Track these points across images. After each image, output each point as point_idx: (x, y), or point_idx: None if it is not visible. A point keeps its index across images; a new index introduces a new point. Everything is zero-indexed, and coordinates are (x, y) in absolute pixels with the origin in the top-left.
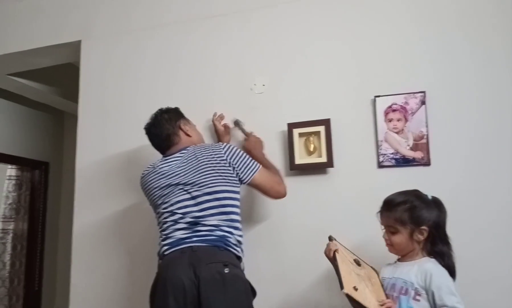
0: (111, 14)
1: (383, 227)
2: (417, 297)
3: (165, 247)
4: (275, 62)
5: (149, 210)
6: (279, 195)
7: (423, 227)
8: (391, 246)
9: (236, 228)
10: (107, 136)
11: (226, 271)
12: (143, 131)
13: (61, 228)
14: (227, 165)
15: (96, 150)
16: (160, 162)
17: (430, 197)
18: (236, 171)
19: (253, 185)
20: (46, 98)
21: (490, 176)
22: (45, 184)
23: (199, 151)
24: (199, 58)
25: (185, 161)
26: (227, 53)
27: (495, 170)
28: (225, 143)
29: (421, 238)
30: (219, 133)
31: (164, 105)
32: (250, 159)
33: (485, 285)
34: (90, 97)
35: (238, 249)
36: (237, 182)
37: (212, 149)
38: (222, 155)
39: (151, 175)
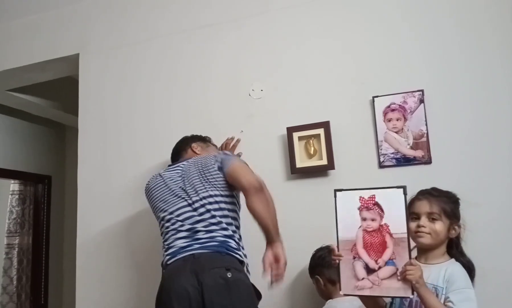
0: (108, 27)
1: (414, 215)
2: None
3: (167, 257)
4: (272, 67)
5: (152, 221)
6: (253, 186)
7: (460, 223)
8: (428, 234)
9: (234, 232)
10: (107, 148)
11: (229, 276)
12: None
13: (65, 241)
14: (218, 169)
15: (98, 163)
16: (164, 170)
17: None
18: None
19: (230, 173)
20: (46, 113)
21: (491, 172)
22: (48, 197)
23: (199, 159)
24: (195, 67)
25: (186, 169)
26: (223, 61)
27: (496, 166)
28: (225, 151)
29: (454, 234)
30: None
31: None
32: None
33: (488, 282)
34: (90, 110)
35: (239, 253)
36: (231, 187)
37: (211, 157)
38: (218, 159)
39: (154, 183)
